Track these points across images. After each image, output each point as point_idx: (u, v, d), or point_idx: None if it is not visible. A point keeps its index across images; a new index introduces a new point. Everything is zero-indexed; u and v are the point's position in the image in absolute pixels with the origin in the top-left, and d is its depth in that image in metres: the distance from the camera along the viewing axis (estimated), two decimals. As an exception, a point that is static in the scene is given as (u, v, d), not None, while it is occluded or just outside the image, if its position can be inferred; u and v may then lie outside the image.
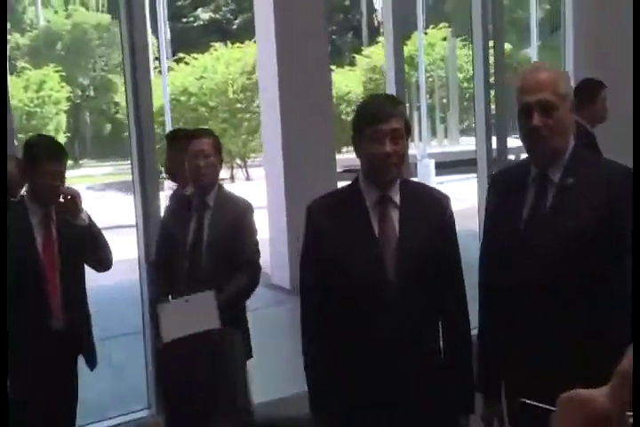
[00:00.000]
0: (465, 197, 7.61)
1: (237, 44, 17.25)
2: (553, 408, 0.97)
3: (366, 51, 18.70)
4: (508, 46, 19.45)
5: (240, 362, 2.18)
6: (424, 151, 15.11)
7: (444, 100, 18.23)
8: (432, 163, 14.48)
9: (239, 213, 3.41)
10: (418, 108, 16.78)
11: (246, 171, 18.49)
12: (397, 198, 2.34)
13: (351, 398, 2.33)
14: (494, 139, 5.01)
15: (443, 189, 2.72)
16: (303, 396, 4.54)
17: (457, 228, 2.48)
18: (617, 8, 6.12)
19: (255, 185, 14.18)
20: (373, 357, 2.30)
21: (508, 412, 2.41)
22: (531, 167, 2.30)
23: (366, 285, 2.29)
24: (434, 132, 16.13)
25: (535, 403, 1.05)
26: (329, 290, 2.35)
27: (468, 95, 18.21)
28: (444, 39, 17.36)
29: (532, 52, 17.08)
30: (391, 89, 4.86)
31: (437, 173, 13.65)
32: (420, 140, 15.89)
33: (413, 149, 15.62)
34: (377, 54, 18.38)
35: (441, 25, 17.83)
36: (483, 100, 4.81)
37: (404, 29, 5.34)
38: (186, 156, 3.37)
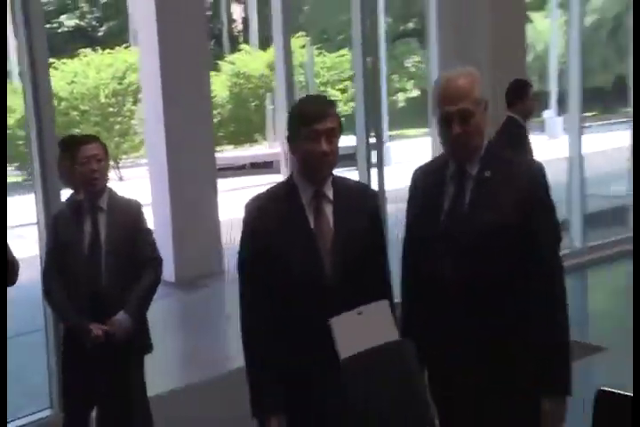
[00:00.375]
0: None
1: (108, 51, 16.62)
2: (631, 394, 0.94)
3: (230, 57, 18.58)
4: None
5: (418, 374, 1.99)
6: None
7: (304, 103, 18.31)
8: (297, 160, 14.53)
9: (134, 214, 3.27)
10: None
11: (119, 171, 17.85)
12: (330, 194, 2.29)
13: (293, 394, 2.24)
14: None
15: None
16: (194, 387, 4.45)
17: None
18: (475, 20, 6.42)
19: (128, 185, 13.76)
20: (314, 350, 2.20)
21: (430, 392, 2.35)
22: (449, 162, 2.30)
23: (306, 280, 2.21)
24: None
25: (613, 390, 1.03)
26: (270, 287, 2.24)
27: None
28: (302, 47, 17.54)
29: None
30: (281, 91, 4.88)
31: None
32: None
33: (279, 148, 15.71)
34: (241, 60, 18.34)
35: (298, 34, 18.01)
36: (362, 103, 4.90)
37: (267, 39, 5.34)
38: (76, 161, 3.15)
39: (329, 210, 2.27)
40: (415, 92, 28.77)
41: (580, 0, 7.13)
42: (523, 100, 5.07)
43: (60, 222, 3.25)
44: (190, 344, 5.76)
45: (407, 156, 15.51)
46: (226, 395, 4.39)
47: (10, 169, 17.52)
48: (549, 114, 21.39)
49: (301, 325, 2.23)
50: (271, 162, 15.82)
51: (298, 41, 16.53)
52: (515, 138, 4.85)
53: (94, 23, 28.68)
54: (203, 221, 7.09)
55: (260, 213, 2.28)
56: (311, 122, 2.17)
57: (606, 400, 1.09)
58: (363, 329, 2.01)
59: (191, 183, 6.99)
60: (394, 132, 20.44)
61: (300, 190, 2.28)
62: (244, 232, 2.32)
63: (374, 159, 5.25)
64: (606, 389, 1.08)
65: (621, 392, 1.05)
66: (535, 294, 2.19)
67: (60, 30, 27.70)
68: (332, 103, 2.32)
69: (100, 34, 27.76)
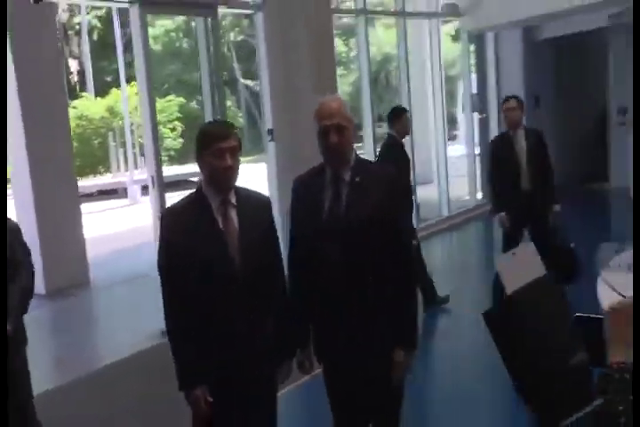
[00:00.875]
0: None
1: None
2: (602, 316, 1.06)
3: (73, 103, 17.62)
4: (182, 100, 19.75)
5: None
6: (131, 178, 14.90)
7: (141, 140, 17.87)
8: (139, 187, 14.35)
9: (13, 231, 2.99)
10: (123, 144, 16.40)
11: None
12: (234, 201, 2.28)
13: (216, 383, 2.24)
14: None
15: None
16: (67, 386, 4.20)
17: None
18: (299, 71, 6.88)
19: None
20: (228, 336, 2.22)
21: (316, 357, 2.47)
22: (327, 170, 2.34)
23: (218, 272, 2.20)
24: (136, 165, 16.01)
25: (588, 315, 1.15)
26: (187, 282, 2.20)
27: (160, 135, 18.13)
28: (136, 94, 17.06)
29: (206, 105, 17.65)
30: (147, 127, 4.90)
31: (143, 194, 13.66)
32: (127, 170, 15.66)
33: (124, 177, 15.20)
34: (83, 105, 17.53)
35: (132, 83, 17.50)
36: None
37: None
38: None
39: (234, 214, 2.26)
40: (231, 130, 28.99)
41: (368, 59, 8.06)
42: (399, 122, 5.32)
43: None
44: (62, 348, 5.51)
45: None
46: (97, 392, 4.28)
47: None
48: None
49: (215, 311, 2.21)
50: (116, 189, 15.47)
51: (133, 89, 16.07)
52: (392, 149, 5.19)
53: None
54: (69, 239, 6.85)
55: (175, 219, 2.25)
56: (217, 141, 2.16)
57: (581, 323, 1.22)
58: (519, 267, 1.92)
59: (56, 208, 6.78)
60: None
61: (209, 199, 2.24)
62: (162, 236, 2.26)
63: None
64: (581, 314, 1.22)
65: (592, 315, 1.21)
66: (397, 274, 2.28)
67: None
68: (233, 126, 2.32)
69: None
